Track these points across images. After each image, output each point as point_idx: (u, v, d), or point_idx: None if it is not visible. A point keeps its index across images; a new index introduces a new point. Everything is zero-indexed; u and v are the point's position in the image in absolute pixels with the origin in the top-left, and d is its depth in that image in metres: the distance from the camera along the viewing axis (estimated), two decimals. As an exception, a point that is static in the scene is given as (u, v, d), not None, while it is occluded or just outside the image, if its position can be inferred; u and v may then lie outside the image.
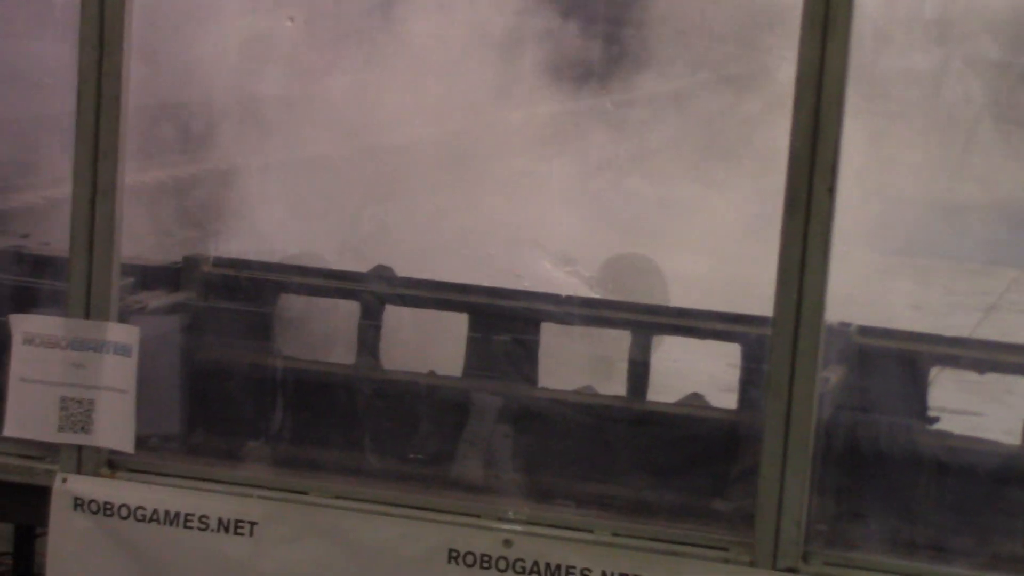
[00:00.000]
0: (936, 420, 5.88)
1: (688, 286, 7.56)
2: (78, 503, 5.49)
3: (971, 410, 6.14)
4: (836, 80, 5.04)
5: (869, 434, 5.63)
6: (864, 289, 5.96)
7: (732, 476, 5.61)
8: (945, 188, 10.64)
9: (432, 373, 6.18)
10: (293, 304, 6.42)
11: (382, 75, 8.87)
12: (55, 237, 5.75)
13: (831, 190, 5.07)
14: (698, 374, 6.41)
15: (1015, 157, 11.69)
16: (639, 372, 6.16)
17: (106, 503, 5.48)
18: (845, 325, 5.81)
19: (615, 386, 6.24)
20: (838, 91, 5.04)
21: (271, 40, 8.21)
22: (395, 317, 6.35)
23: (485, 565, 5.30)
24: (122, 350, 5.47)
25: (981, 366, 6.23)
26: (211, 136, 7.94)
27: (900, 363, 5.93)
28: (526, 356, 6.17)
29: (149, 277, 6.22)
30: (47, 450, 5.57)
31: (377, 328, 6.28)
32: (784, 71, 5.20)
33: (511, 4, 9.40)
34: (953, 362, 6.19)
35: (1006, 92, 11.46)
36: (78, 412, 5.49)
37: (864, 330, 5.99)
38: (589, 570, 5.25)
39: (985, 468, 5.56)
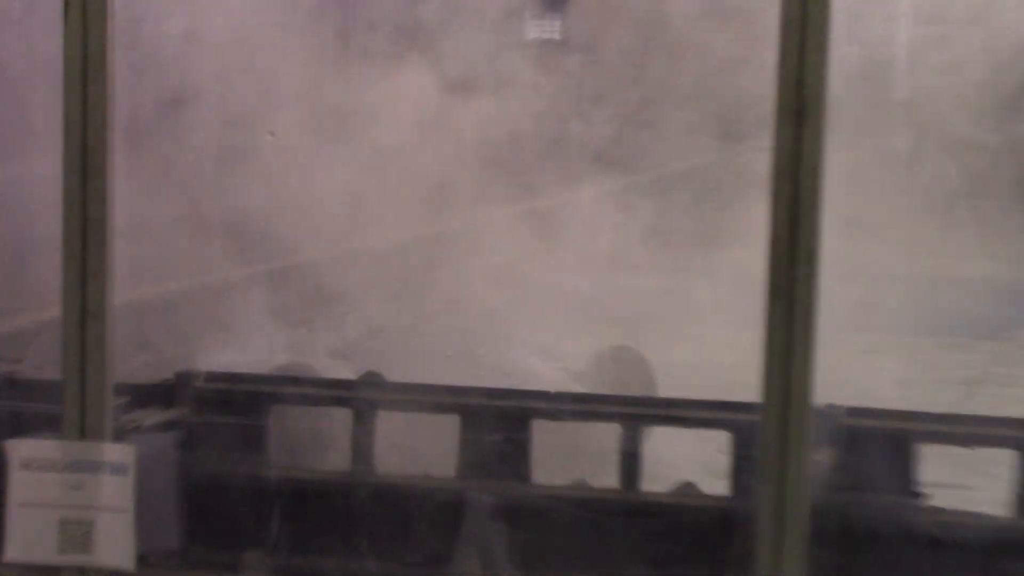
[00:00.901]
0: (927, 496, 5.90)
1: (676, 374, 7.58)
2: (85, 623, 5.50)
3: (960, 484, 6.13)
4: (812, 169, 5.05)
5: (862, 514, 5.66)
6: (850, 369, 5.95)
7: (728, 563, 5.62)
8: (925, 265, 10.71)
9: (426, 475, 6.21)
10: (286, 414, 6.42)
11: (365, 178, 8.91)
12: (51, 359, 5.73)
13: (813, 276, 5.09)
14: (689, 462, 6.38)
15: (989, 233, 11.75)
16: (630, 463, 6.19)
17: (109, 622, 5.49)
18: (833, 407, 5.82)
19: (608, 478, 6.24)
20: (814, 180, 5.05)
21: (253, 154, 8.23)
22: (387, 420, 6.36)
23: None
24: (118, 470, 5.46)
25: (968, 441, 6.28)
26: (194, 252, 7.97)
27: (889, 442, 5.97)
28: (518, 453, 6.19)
29: (143, 395, 6.23)
30: (49, 573, 5.55)
31: (370, 433, 6.31)
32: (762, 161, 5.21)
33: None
34: (940, 438, 6.21)
35: (978, 169, 11.54)
36: (78, 533, 5.47)
37: (852, 411, 6.01)
38: None
39: (977, 541, 5.60)
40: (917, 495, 5.89)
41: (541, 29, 16.02)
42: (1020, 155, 12.69)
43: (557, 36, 15.89)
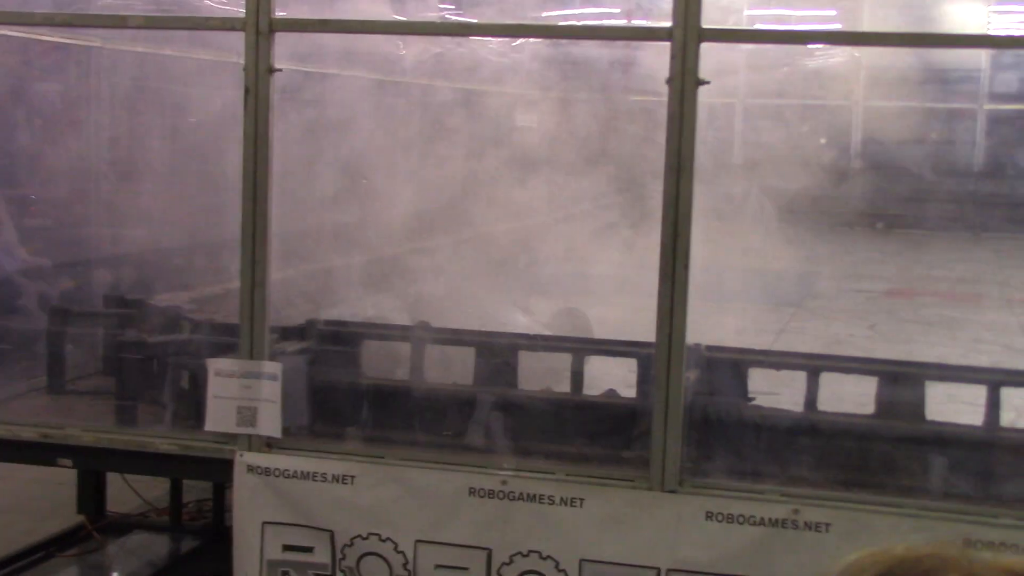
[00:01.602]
0: (753, 399, 5.98)
1: (606, 326, 7.60)
2: (250, 468, 5.59)
3: (772, 392, 6.23)
4: (686, 204, 5.20)
5: (714, 410, 5.71)
6: (707, 323, 6.06)
7: (634, 438, 5.67)
8: (750, 262, 10.76)
9: (454, 383, 6.25)
10: (372, 346, 6.49)
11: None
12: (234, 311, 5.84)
13: (686, 267, 5.22)
14: (612, 378, 6.46)
15: (791, 243, 11.81)
16: (576, 378, 6.24)
17: (267, 468, 5.57)
18: (698, 345, 5.86)
19: (563, 386, 6.30)
20: (687, 210, 5.21)
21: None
22: (432, 350, 6.43)
23: (491, 496, 5.39)
24: (272, 377, 5.56)
25: (777, 366, 6.37)
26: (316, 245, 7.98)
27: (731, 367, 6.03)
28: (509, 371, 6.26)
29: (287, 333, 6.29)
30: (230, 438, 5.67)
31: (420, 358, 6.35)
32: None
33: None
34: (762, 364, 6.29)
35: (784, 204, 11.62)
36: (247, 414, 5.57)
37: (709, 348, 6.06)
38: (552, 497, 5.31)
39: (781, 427, 5.68)
40: (748, 399, 5.97)
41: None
42: (812, 197, 12.75)
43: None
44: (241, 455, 5.62)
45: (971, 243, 17.90)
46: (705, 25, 5.12)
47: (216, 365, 5.64)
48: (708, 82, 5.17)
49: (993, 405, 5.66)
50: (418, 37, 9.59)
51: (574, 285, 9.28)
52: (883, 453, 5.60)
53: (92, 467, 6.58)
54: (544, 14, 9.83)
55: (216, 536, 7.03)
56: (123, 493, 7.31)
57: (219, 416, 5.63)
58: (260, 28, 5.48)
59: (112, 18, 7.02)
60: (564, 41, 10.00)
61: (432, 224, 8.50)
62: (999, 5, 20.12)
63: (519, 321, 7.57)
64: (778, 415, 5.79)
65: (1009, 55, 19.74)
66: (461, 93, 10.43)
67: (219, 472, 5.83)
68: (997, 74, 20.93)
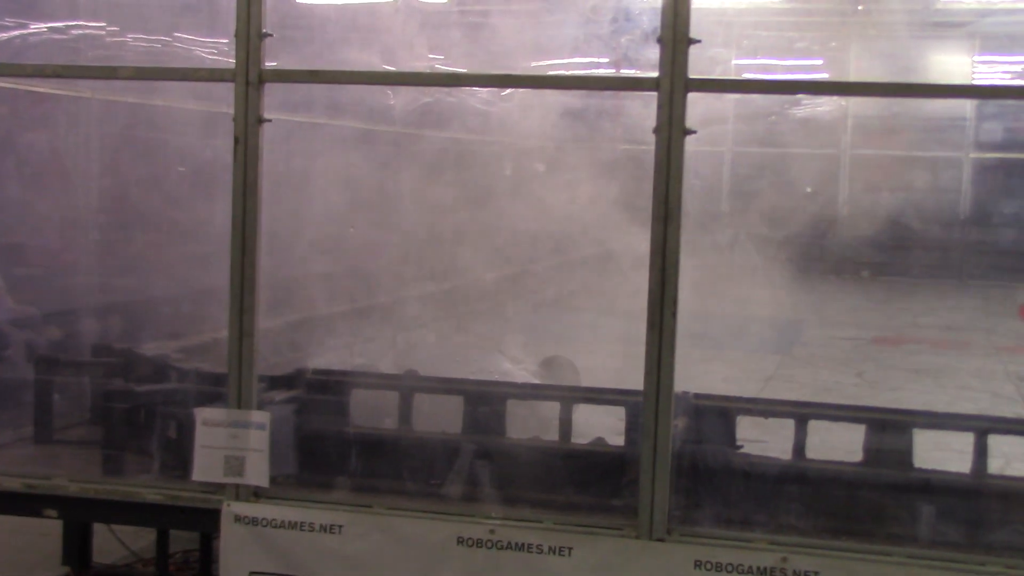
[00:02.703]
0: (741, 447, 5.95)
1: (594, 374, 7.59)
2: (237, 518, 5.56)
3: (760, 440, 6.21)
4: (673, 251, 5.21)
5: (703, 457, 5.69)
6: (695, 371, 6.05)
7: (623, 486, 5.65)
8: (735, 309, 10.79)
9: (444, 432, 6.21)
10: (360, 395, 6.47)
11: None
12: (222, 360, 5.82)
13: (674, 315, 5.23)
14: (601, 426, 6.43)
15: (776, 288, 11.83)
16: (564, 426, 6.22)
17: (254, 517, 5.54)
18: (686, 393, 5.84)
19: (551, 435, 6.29)
20: (675, 257, 5.23)
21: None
22: (420, 399, 6.42)
23: (479, 545, 5.36)
24: (259, 426, 5.53)
25: (765, 414, 6.36)
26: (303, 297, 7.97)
27: (719, 414, 6.01)
28: (497, 420, 6.23)
29: (275, 382, 6.27)
30: (218, 487, 5.64)
31: (409, 407, 6.34)
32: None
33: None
34: (750, 412, 6.29)
35: (769, 251, 11.66)
36: (235, 464, 5.55)
37: (697, 395, 6.03)
38: (540, 546, 5.29)
39: (770, 474, 5.67)
40: (736, 447, 5.95)
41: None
42: (799, 245, 12.81)
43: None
44: (228, 505, 5.59)
45: (957, 291, 17.96)
46: (692, 75, 5.15)
47: (204, 414, 5.62)
48: (695, 131, 5.20)
49: (981, 452, 5.67)
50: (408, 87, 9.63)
51: (562, 333, 9.28)
52: (871, 501, 5.59)
53: (78, 518, 6.52)
54: (533, 64, 9.87)
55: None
56: (109, 544, 7.23)
57: (207, 465, 5.61)
58: (250, 79, 5.51)
59: (102, 69, 7.02)
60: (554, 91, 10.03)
61: (420, 272, 8.50)
62: (983, 55, 20.29)
63: (506, 369, 7.55)
64: (766, 463, 5.78)
65: (993, 105, 19.89)
66: (450, 142, 10.47)
67: (206, 522, 5.79)
68: (982, 123, 21.06)
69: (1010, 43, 19.66)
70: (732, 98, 10.65)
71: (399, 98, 10.04)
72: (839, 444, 6.19)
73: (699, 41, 5.18)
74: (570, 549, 5.27)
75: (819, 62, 20.08)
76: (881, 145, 20.37)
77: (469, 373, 6.76)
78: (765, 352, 12.15)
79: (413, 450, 6.02)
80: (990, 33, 19.57)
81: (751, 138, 16.88)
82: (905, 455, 5.74)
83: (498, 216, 8.47)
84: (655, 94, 5.18)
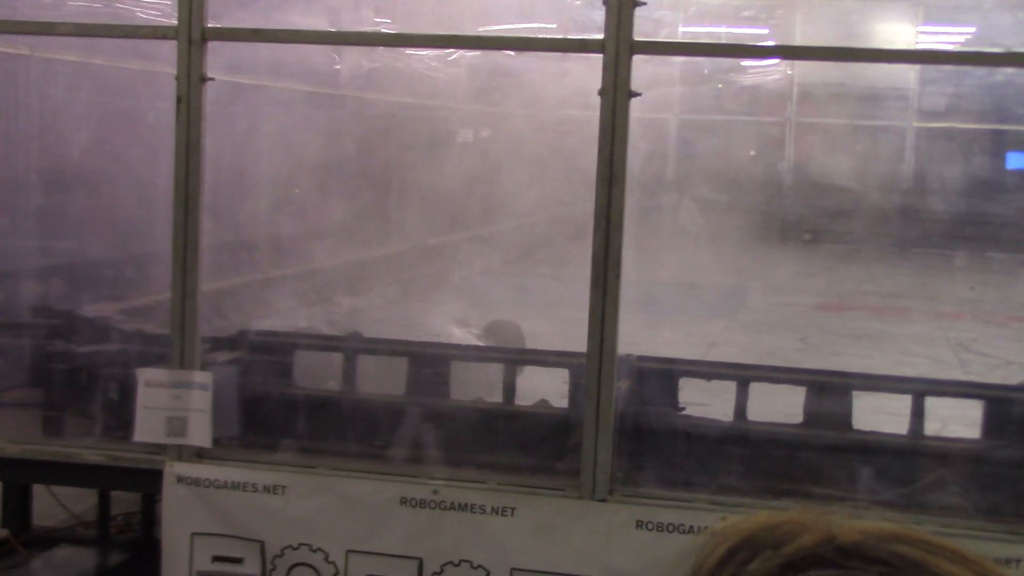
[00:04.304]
0: (683, 409, 6.01)
1: (540, 337, 7.63)
2: (180, 479, 5.53)
3: (702, 403, 6.26)
4: (618, 214, 5.25)
5: (645, 419, 5.72)
6: (639, 335, 6.09)
7: (566, 447, 5.67)
8: (682, 276, 10.86)
9: (386, 394, 6.22)
10: (304, 356, 6.46)
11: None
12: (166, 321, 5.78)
13: (618, 277, 5.26)
14: (545, 389, 6.47)
15: (720, 254, 11.91)
16: (509, 389, 6.22)
17: (197, 478, 5.51)
18: (629, 355, 5.86)
19: (496, 397, 6.29)
20: (619, 220, 5.25)
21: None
22: (364, 361, 6.42)
23: (422, 506, 5.37)
24: (202, 387, 5.52)
25: (707, 376, 6.41)
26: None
27: (662, 377, 6.05)
28: (441, 382, 6.24)
29: (218, 344, 6.25)
30: (160, 448, 5.61)
31: (353, 368, 6.32)
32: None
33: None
34: (691, 374, 6.34)
35: (715, 216, 11.73)
36: (178, 425, 5.53)
37: (640, 358, 6.06)
38: (483, 506, 5.31)
39: (711, 436, 5.73)
40: (679, 409, 6.01)
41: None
42: (743, 210, 12.90)
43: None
44: (171, 466, 5.56)
45: (899, 257, 18.15)
46: (637, 38, 5.17)
47: (146, 375, 5.59)
48: (640, 94, 5.22)
49: (918, 415, 5.74)
50: (355, 50, 9.57)
51: (509, 298, 9.31)
52: (810, 462, 5.66)
53: (17, 479, 6.48)
54: (480, 28, 9.85)
55: (145, 549, 6.95)
56: (49, 507, 7.21)
57: (148, 426, 5.58)
58: (192, 37, 5.46)
59: (41, 25, 6.93)
60: (500, 55, 9.99)
61: (368, 236, 8.49)
62: (926, 25, 20.44)
63: (452, 333, 7.56)
64: (708, 425, 5.84)
65: (935, 72, 20.05)
66: (396, 106, 10.43)
67: (148, 483, 5.77)
68: (925, 91, 21.24)
69: (953, 13, 19.83)
70: (679, 64, 10.69)
71: (346, 63, 9.98)
72: (780, 407, 6.26)
73: (644, 3, 5.19)
74: (513, 509, 5.29)
75: (765, 31, 20.17)
76: (826, 113, 20.50)
77: (414, 336, 6.73)
78: (709, 317, 12.24)
79: (357, 412, 6.02)
80: (933, 3, 19.74)
81: (698, 104, 16.93)
82: (844, 417, 5.81)
83: (443, 180, 8.46)
84: (600, 56, 5.18)
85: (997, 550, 4.88)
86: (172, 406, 5.54)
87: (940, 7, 20.13)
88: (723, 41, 16.98)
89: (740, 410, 5.98)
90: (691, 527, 5.13)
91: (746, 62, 16.09)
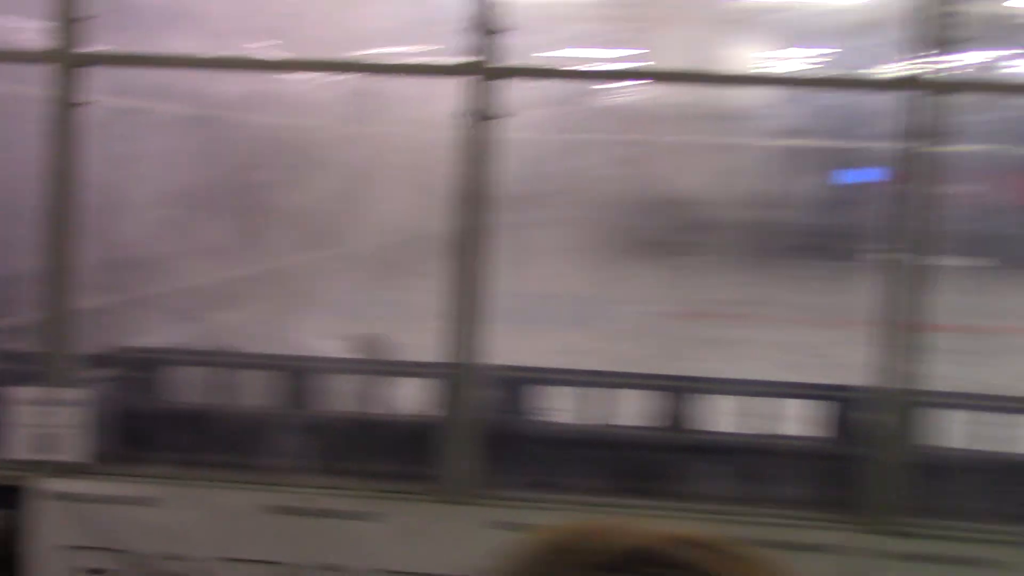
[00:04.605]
0: (542, 414, 6.08)
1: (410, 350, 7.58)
2: (52, 495, 5.47)
3: (561, 408, 6.29)
4: (481, 230, 5.28)
5: (506, 425, 5.78)
6: (502, 345, 6.04)
7: (430, 453, 5.65)
8: (547, 285, 10.88)
9: (258, 406, 6.18)
10: (178, 371, 6.38)
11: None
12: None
13: (481, 290, 5.29)
14: (412, 397, 6.43)
15: (582, 267, 11.97)
16: (378, 398, 6.26)
17: (69, 494, 5.46)
18: (491, 364, 5.79)
19: (366, 406, 6.29)
20: (483, 237, 5.28)
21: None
22: (238, 375, 6.35)
23: (291, 513, 5.39)
24: (75, 403, 5.44)
25: (567, 383, 6.47)
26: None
27: (522, 384, 6.10)
28: (312, 393, 6.21)
29: (92, 360, 6.12)
30: (33, 464, 5.54)
31: (228, 382, 6.27)
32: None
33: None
34: (550, 382, 6.36)
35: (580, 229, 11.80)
36: (49, 441, 5.44)
37: (501, 367, 6.01)
38: (350, 512, 5.36)
39: (568, 439, 5.81)
40: (538, 414, 6.08)
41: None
42: (606, 226, 12.99)
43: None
44: (44, 482, 5.48)
45: (753, 268, 18.46)
46: (504, 63, 5.22)
47: (18, 393, 5.48)
48: (508, 116, 5.28)
49: (754, 416, 5.87)
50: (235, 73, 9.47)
51: (379, 311, 9.26)
52: (662, 461, 5.75)
53: None
54: (360, 51, 9.83)
55: (10, 565, 6.78)
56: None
57: (20, 443, 5.48)
58: (70, 61, 5.38)
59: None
60: (380, 78, 9.98)
61: (243, 255, 8.39)
62: (777, 51, 20.87)
63: (324, 346, 7.51)
64: (566, 429, 5.90)
65: (784, 95, 20.47)
66: (274, 128, 10.34)
67: (20, 500, 5.65)
68: (775, 112, 21.68)
69: (803, 37, 20.24)
70: (544, 85, 10.73)
71: (228, 84, 9.88)
72: (634, 410, 6.33)
73: (512, 30, 5.25)
74: (379, 515, 5.31)
75: (630, 52, 20.40)
76: (684, 132, 20.78)
77: (287, 350, 6.68)
78: (573, 327, 12.30)
79: (228, 423, 5.98)
80: (783, 28, 20.14)
81: (564, 124, 17.06)
82: (694, 419, 5.92)
83: (317, 200, 8.41)
84: (467, 79, 5.23)
85: (810, 537, 4.99)
86: (44, 423, 5.44)
87: (795, 33, 20.55)
88: (592, 65, 17.16)
89: (597, 414, 6.08)
90: (547, 527, 5.17)
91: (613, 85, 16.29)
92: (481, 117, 5.19)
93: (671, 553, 1.02)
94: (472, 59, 5.20)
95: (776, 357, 12.34)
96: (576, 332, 12.27)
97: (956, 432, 5.92)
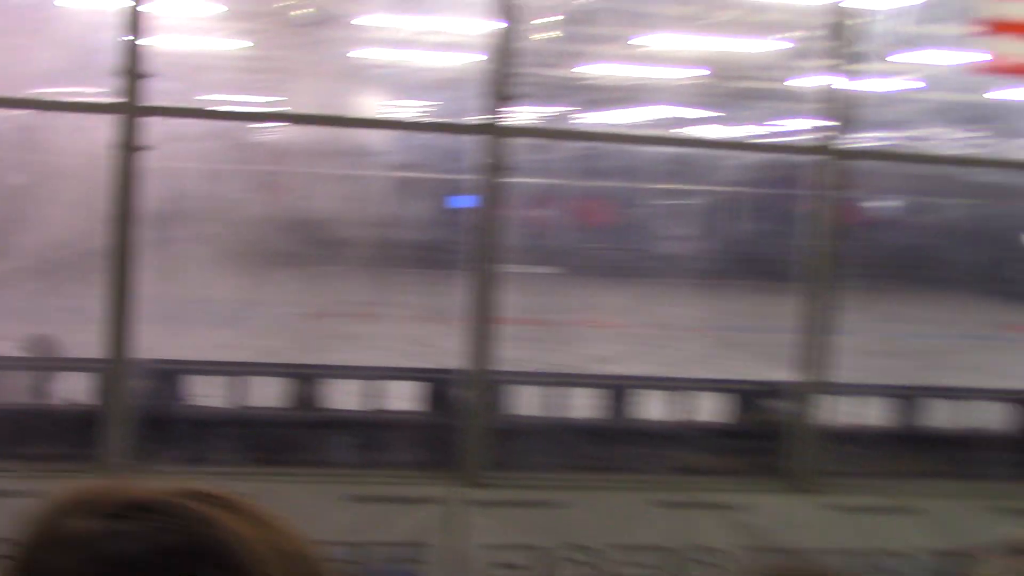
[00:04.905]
0: (194, 400, 5.89)
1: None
2: None
3: (208, 395, 6.11)
4: (131, 244, 5.10)
5: (159, 410, 5.55)
6: (158, 342, 5.81)
7: (94, 437, 5.44)
8: (197, 293, 10.60)
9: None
10: None
11: None
12: None
13: (132, 294, 5.12)
14: (76, 388, 6.09)
15: (231, 275, 11.69)
16: (42, 391, 5.92)
17: None
18: (145, 359, 5.52)
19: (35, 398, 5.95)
20: (132, 248, 5.10)
21: None
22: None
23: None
24: None
25: (210, 373, 6.28)
26: None
27: (174, 375, 5.93)
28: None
29: None
30: None
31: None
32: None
33: None
34: (201, 372, 6.23)
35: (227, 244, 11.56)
36: None
37: (156, 360, 5.77)
38: (18, 491, 4.93)
39: (217, 420, 5.69)
40: (190, 400, 5.92)
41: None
42: (248, 241, 12.82)
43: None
44: None
45: (374, 276, 18.65)
46: (146, 103, 5.09)
47: None
48: (152, 148, 5.14)
49: (372, 395, 5.97)
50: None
51: (48, 315, 8.76)
52: (294, 435, 5.74)
53: None
54: (34, 89, 9.30)
55: None
56: None
57: None
58: None
59: None
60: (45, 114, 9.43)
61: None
62: (391, 100, 21.22)
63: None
64: (212, 412, 5.82)
65: (396, 136, 20.88)
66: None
67: None
68: (389, 149, 22.12)
69: (414, 89, 20.65)
70: (194, 123, 10.47)
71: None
72: (272, 394, 6.28)
73: (155, 75, 5.12)
74: (46, 492, 5.01)
75: (272, 99, 20.19)
76: (316, 165, 20.81)
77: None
78: (221, 326, 11.99)
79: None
80: (399, 80, 20.46)
81: (210, 157, 16.67)
82: (320, 400, 5.94)
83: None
84: (115, 117, 5.07)
85: (417, 492, 5.12)
86: None
87: (402, 86, 20.91)
88: (229, 107, 16.85)
89: (240, 399, 5.96)
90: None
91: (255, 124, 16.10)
92: (130, 149, 5.03)
93: (167, 502, 1.01)
94: (121, 100, 5.04)
95: (391, 347, 12.55)
96: (226, 330, 11.96)
97: (529, 403, 6.24)
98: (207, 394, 6.06)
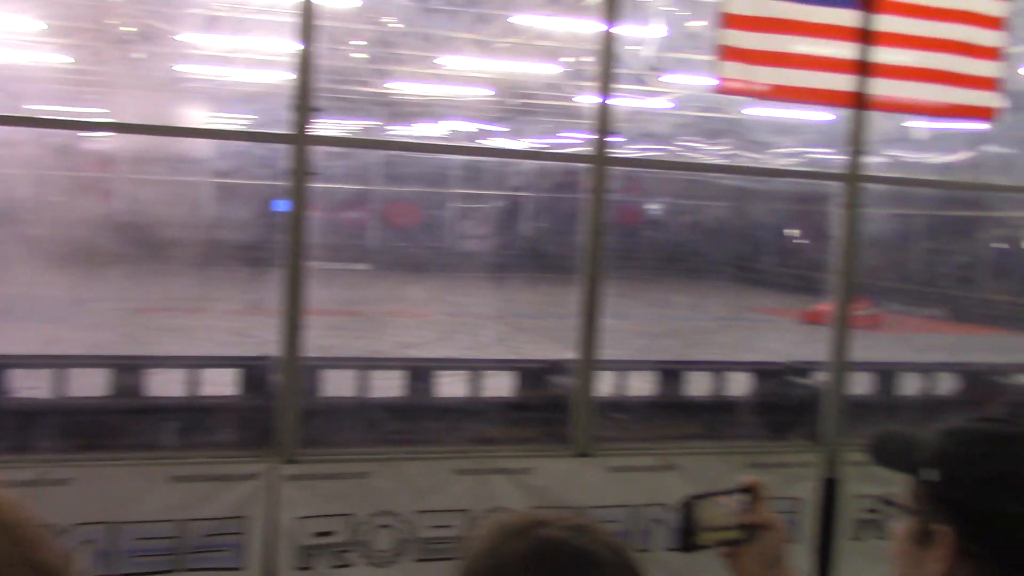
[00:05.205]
0: (19, 392, 5.53)
1: None
2: None
3: (34, 386, 5.74)
4: None
5: None
6: None
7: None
8: (29, 292, 10.02)
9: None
10: None
11: None
12: None
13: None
14: None
15: (62, 273, 11.15)
16: None
17: None
18: None
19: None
20: None
21: None
22: None
23: None
24: None
25: (37, 367, 5.92)
26: None
27: (9, 368, 5.57)
28: None
29: None
30: None
31: None
32: None
33: None
34: (26, 365, 5.83)
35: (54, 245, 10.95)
36: None
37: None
38: None
39: (37, 410, 5.33)
40: (15, 392, 5.51)
41: None
42: (77, 243, 12.21)
43: None
44: None
45: (199, 274, 18.04)
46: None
47: None
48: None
49: (194, 382, 5.74)
50: None
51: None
52: (119, 422, 5.46)
53: None
54: None
55: None
56: None
57: None
58: None
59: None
60: None
61: None
62: (213, 112, 20.52)
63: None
64: (37, 403, 5.49)
65: (216, 144, 20.22)
66: None
67: None
68: (211, 157, 21.44)
69: (231, 102, 20.03)
70: (16, 129, 9.83)
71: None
72: (99, 384, 5.95)
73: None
74: None
75: (97, 110, 19.19)
76: (143, 171, 19.93)
77: None
78: (51, 322, 11.34)
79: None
80: (217, 93, 19.80)
81: (37, 162, 15.74)
82: (142, 387, 5.67)
83: None
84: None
85: (236, 469, 4.95)
86: None
87: (220, 98, 20.27)
88: (54, 115, 15.92)
89: (67, 389, 5.63)
90: (26, 480, 4.72)
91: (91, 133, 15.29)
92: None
93: None
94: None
95: (213, 339, 12.12)
96: (56, 326, 11.29)
97: (339, 385, 6.12)
98: (32, 387, 5.68)
